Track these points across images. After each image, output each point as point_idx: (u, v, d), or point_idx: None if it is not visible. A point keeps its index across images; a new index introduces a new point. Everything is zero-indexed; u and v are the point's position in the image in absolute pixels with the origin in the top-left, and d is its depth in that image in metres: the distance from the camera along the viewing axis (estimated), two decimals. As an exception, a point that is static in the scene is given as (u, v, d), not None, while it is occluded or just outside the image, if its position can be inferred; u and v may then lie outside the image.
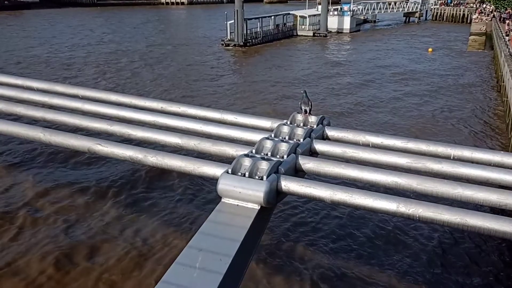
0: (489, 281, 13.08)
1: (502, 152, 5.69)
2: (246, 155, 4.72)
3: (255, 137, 5.82)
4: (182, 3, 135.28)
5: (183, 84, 37.06)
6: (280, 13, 70.09)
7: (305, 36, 69.83)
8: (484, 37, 63.77)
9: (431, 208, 4.01)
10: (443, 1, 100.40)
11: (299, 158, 5.10)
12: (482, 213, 3.94)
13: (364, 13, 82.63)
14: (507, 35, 48.90)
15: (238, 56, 52.70)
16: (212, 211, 4.43)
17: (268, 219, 4.85)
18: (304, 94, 6.33)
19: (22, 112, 7.03)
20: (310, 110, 6.33)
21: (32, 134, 5.92)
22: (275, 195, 4.45)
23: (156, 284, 3.41)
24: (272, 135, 5.64)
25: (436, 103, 32.55)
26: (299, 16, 71.39)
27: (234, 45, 57.43)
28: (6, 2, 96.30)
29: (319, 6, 71.93)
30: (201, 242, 3.81)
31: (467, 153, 5.62)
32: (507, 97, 29.07)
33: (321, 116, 6.37)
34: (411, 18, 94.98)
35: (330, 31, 72.21)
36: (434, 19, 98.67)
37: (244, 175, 4.40)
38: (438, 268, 13.47)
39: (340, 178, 5.25)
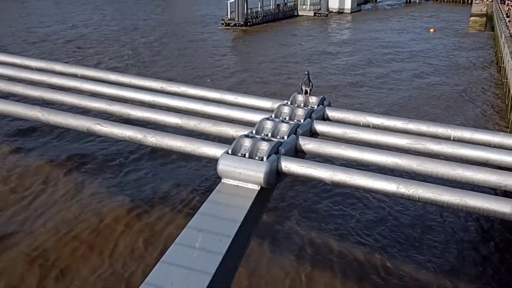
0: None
1: (502, 133, 5.67)
2: (246, 136, 4.69)
3: (256, 117, 5.78)
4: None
5: (183, 63, 36.84)
6: (280, -8, 69.47)
7: (306, 16, 69.13)
8: (484, 18, 63.11)
9: (430, 189, 4.01)
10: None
11: (300, 139, 5.07)
12: (481, 194, 3.94)
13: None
14: (508, 16, 48.41)
15: (238, 35, 52.25)
16: (212, 191, 4.42)
17: (268, 200, 4.85)
18: (307, 75, 6.27)
19: (20, 91, 6.97)
20: (310, 90, 6.28)
21: (30, 114, 5.88)
22: (275, 176, 4.44)
23: (155, 264, 3.41)
24: (273, 115, 5.60)
25: (435, 84, 32.42)
26: (300, -5, 70.67)
27: (235, 24, 56.87)
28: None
29: (320, -14, 71.22)
30: (201, 223, 3.81)
31: (467, 134, 5.60)
32: (507, 78, 28.94)
33: (321, 96, 6.32)
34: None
35: (331, 11, 71.46)
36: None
37: (244, 156, 4.38)
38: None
39: (340, 159, 5.24)
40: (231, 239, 3.61)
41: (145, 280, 3.07)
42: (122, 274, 11.99)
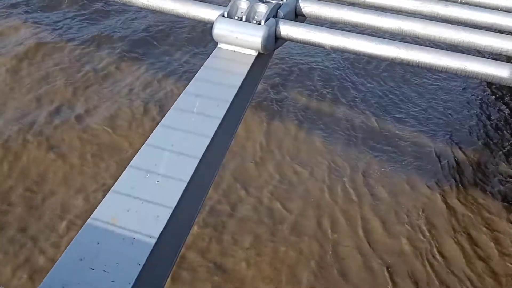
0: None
1: (512, -4, 5.42)
2: (243, -3, 4.48)
3: (253, -24, 5.46)
4: None
5: None
6: None
7: None
8: None
9: (431, 53, 3.94)
10: None
11: (300, 1, 4.86)
12: (481, 59, 3.89)
13: None
14: None
15: None
16: (208, 57, 4.34)
17: (266, 66, 4.78)
18: None
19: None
20: None
21: None
22: (274, 41, 4.33)
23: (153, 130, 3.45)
24: (272, -27, 5.30)
25: None
26: None
27: None
28: None
29: None
30: (197, 88, 3.80)
31: (475, -4, 5.37)
32: None
33: (325, -47, 5.91)
34: None
35: None
36: None
37: (241, 19, 4.22)
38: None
39: (342, 23, 5.07)
40: (228, 104, 3.63)
41: (146, 141, 3.15)
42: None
